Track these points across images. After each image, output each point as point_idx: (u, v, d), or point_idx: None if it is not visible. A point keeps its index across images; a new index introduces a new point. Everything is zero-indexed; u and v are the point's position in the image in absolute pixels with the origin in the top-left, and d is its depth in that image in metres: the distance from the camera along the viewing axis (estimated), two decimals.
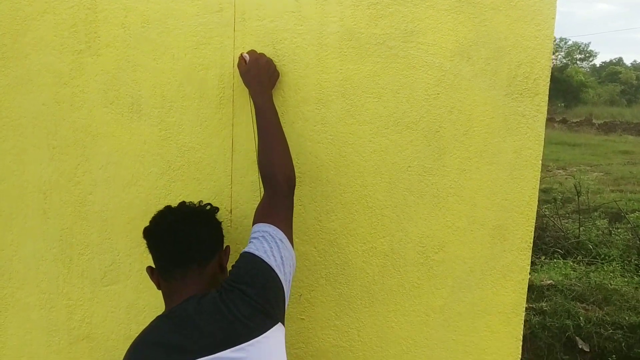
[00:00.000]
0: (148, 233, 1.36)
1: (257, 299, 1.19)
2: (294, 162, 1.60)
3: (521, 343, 1.60)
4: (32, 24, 1.68)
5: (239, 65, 1.56)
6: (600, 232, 6.54)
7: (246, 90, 1.59)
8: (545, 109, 1.51)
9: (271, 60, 1.56)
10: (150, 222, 1.37)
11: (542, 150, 1.52)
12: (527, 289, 1.59)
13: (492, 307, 1.60)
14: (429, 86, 1.54)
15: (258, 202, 1.63)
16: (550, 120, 24.62)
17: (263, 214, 1.37)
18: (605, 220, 6.93)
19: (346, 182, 1.61)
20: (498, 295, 1.59)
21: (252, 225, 1.37)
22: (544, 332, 4.37)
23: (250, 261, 1.25)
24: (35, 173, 1.70)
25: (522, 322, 1.59)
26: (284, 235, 1.31)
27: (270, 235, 1.30)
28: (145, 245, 1.39)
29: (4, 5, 1.68)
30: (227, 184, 1.65)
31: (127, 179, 1.67)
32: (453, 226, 1.59)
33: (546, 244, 6.25)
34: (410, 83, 1.55)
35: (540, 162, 1.53)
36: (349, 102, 1.58)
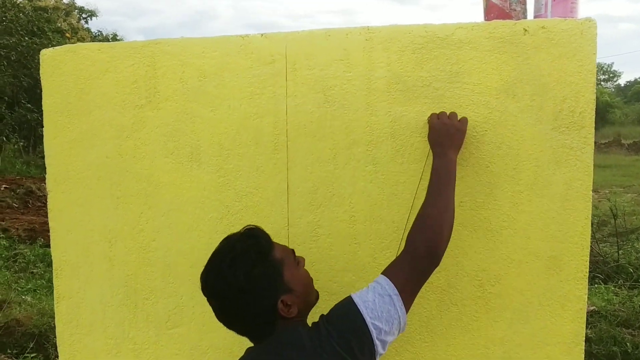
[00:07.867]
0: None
1: (339, 341, 1.21)
2: (347, 201, 1.66)
3: None
4: (95, 82, 1.77)
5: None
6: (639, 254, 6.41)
7: (300, 135, 1.67)
8: (592, 140, 1.54)
9: (450, 123, 1.52)
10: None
11: (592, 180, 1.54)
12: (585, 319, 1.59)
13: (551, 337, 1.59)
14: (477, 124, 1.58)
15: (314, 243, 1.69)
16: None
17: (389, 266, 1.34)
18: None
19: (399, 220, 1.64)
20: (557, 325, 1.59)
21: None
22: None
23: (346, 306, 1.26)
24: (100, 222, 1.78)
25: (583, 351, 1.59)
26: (396, 291, 1.27)
27: (382, 287, 1.28)
28: None
29: (68, 66, 1.79)
30: (284, 225, 1.70)
31: (188, 225, 1.74)
32: (508, 259, 1.60)
33: None
34: None
35: (591, 192, 1.55)
36: (398, 142, 1.63)
